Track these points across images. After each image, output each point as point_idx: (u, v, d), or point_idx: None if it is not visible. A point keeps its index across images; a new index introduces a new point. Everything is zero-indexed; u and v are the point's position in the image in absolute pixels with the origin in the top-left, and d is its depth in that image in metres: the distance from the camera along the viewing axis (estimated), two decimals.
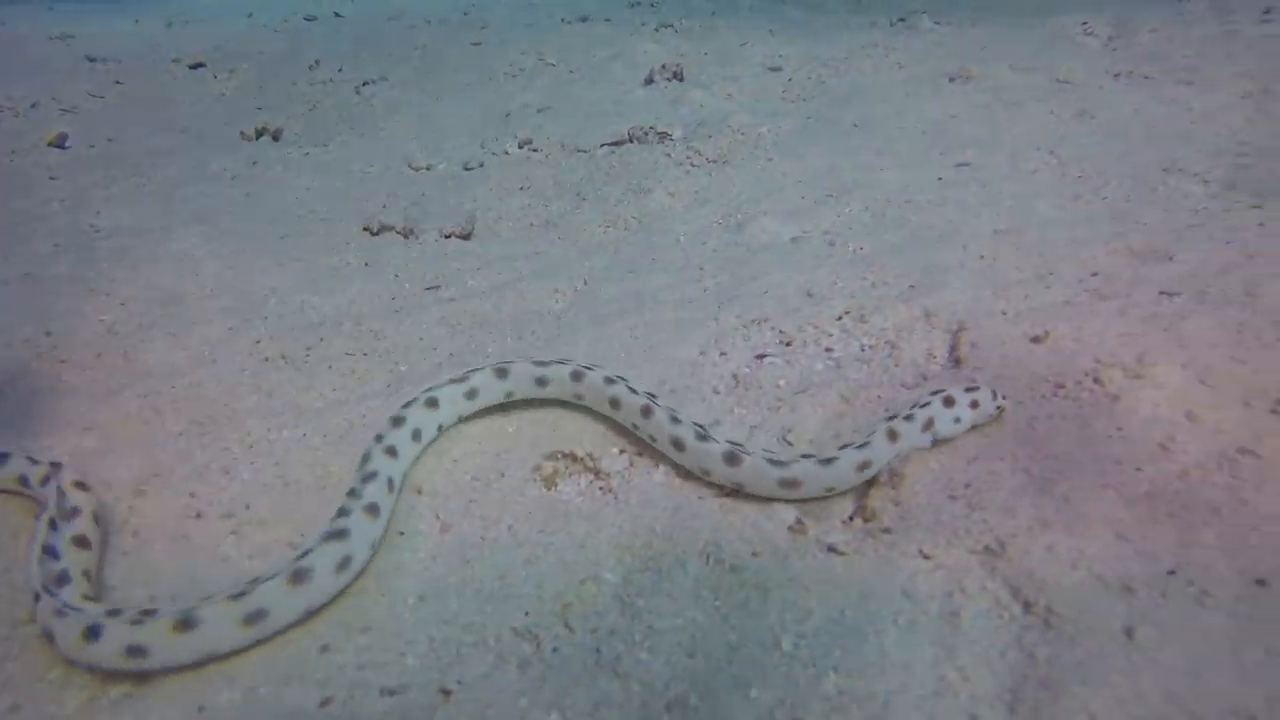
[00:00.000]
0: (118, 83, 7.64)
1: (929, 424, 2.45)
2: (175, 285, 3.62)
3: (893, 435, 2.41)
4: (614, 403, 2.54)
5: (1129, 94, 6.32)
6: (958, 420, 2.48)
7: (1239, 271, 3.34)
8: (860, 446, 2.36)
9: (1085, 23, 8.88)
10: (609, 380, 2.56)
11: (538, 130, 5.92)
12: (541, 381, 2.62)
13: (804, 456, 2.30)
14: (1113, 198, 4.46)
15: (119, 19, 12.25)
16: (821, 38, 9.29)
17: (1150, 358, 2.79)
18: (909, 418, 2.45)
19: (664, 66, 7.32)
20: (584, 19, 12.17)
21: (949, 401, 2.48)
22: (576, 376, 2.60)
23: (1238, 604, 1.92)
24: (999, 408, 2.55)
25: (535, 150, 5.47)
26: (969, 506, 2.27)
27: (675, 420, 2.40)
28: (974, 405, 2.50)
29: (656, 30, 10.41)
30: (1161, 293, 3.23)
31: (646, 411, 2.44)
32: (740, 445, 2.34)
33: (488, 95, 7.40)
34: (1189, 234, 3.86)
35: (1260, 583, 1.98)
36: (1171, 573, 2.01)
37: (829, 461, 2.29)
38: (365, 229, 4.33)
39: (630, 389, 2.53)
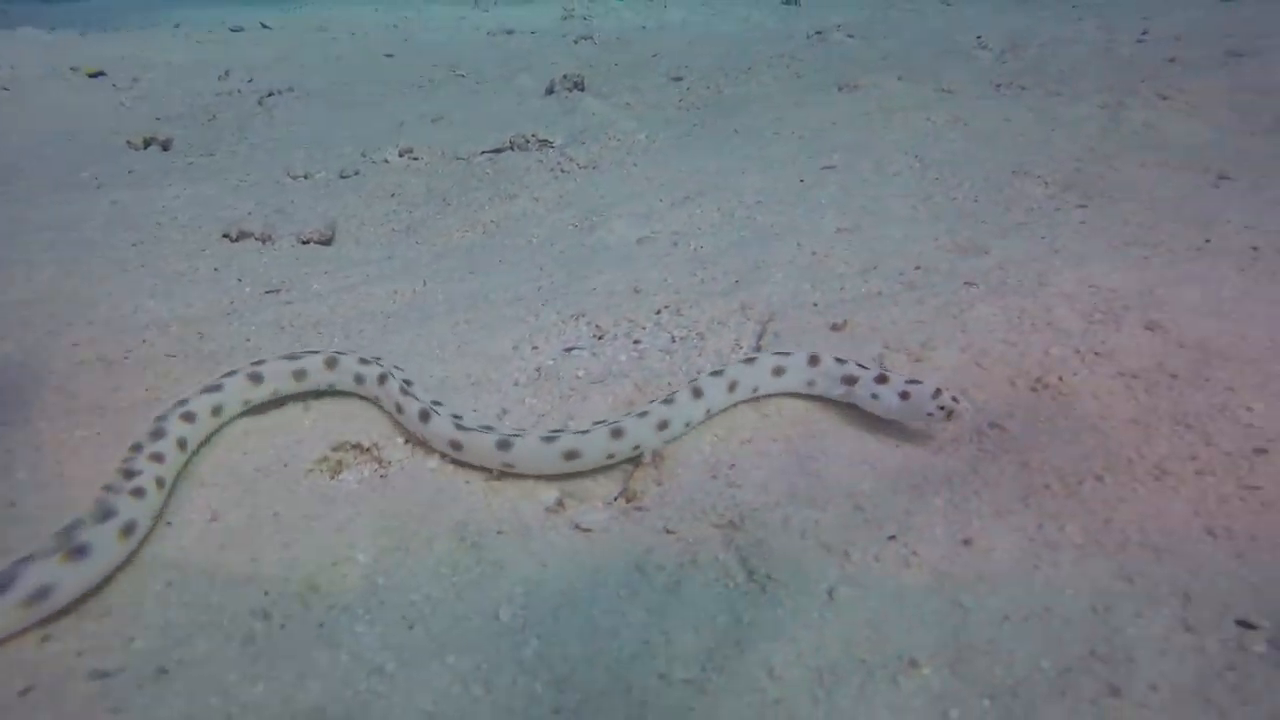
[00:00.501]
0: (4, 89, 7.56)
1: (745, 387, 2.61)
2: (1, 292, 3.62)
3: (697, 393, 2.53)
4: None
5: (1003, 104, 6.60)
6: (875, 397, 2.52)
7: (1039, 263, 3.54)
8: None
9: (980, 37, 9.25)
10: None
11: (424, 139, 6.00)
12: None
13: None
14: (961, 198, 4.66)
15: (37, 28, 12.12)
16: (735, 50, 9.55)
17: (934, 342, 2.95)
18: (717, 373, 2.58)
19: (565, 77, 7.46)
20: (509, 32, 12.33)
21: (881, 379, 2.53)
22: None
23: (941, 562, 2.05)
24: (942, 408, 2.42)
25: (415, 159, 5.55)
26: (727, 484, 2.37)
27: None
28: (904, 396, 2.47)
29: (575, 43, 10.59)
30: (965, 283, 3.40)
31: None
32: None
33: (390, 106, 7.47)
34: (1014, 230, 4.07)
35: (966, 542, 2.11)
36: (892, 538, 2.13)
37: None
38: (225, 236, 4.36)
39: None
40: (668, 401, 2.49)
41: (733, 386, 2.61)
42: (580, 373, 2.92)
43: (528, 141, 5.63)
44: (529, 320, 3.29)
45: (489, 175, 5.14)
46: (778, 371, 2.67)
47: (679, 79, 7.85)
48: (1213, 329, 2.92)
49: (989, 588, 1.97)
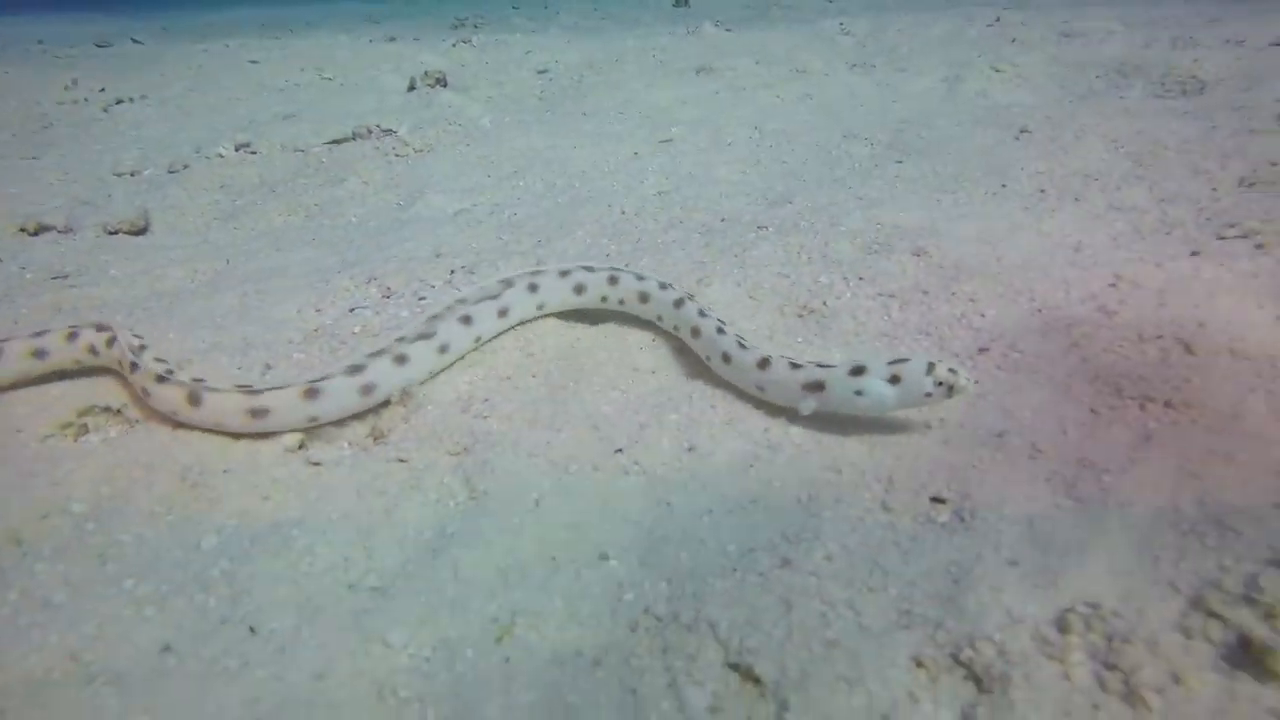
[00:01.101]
0: None
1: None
2: None
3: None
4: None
5: (852, 80, 6.88)
6: (860, 394, 2.13)
7: (836, 208, 3.69)
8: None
9: (842, 23, 9.63)
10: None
11: (268, 135, 5.90)
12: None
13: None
14: (791, 161, 4.83)
15: None
16: (609, 44, 9.69)
17: (709, 279, 3.03)
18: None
19: (427, 74, 7.45)
20: (392, 39, 12.24)
21: (858, 370, 2.15)
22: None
23: (660, 468, 2.10)
24: (940, 384, 2.09)
25: (253, 152, 5.45)
26: (475, 417, 2.39)
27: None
28: (894, 380, 2.11)
29: (454, 46, 10.57)
30: (758, 227, 3.51)
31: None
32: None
33: (245, 108, 7.32)
34: (829, 184, 4.23)
35: (690, 449, 2.17)
36: (619, 450, 2.18)
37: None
38: (21, 230, 4.19)
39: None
40: None
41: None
42: (357, 329, 2.90)
43: (370, 131, 5.59)
44: (319, 287, 3.26)
45: (324, 164, 5.09)
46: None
47: (544, 72, 7.94)
48: (972, 253, 3.09)
49: (700, 486, 2.03)
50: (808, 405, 2.19)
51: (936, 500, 1.97)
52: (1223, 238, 3.29)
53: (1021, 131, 4.77)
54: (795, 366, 2.23)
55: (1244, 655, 1.47)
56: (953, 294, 2.75)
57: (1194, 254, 3.07)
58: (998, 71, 6.67)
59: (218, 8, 21.99)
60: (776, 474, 2.07)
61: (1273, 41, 6.52)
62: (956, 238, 3.28)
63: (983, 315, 2.62)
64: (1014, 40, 8.32)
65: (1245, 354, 2.32)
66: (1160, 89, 5.93)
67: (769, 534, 1.86)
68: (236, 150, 5.47)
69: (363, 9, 19.97)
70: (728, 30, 10.85)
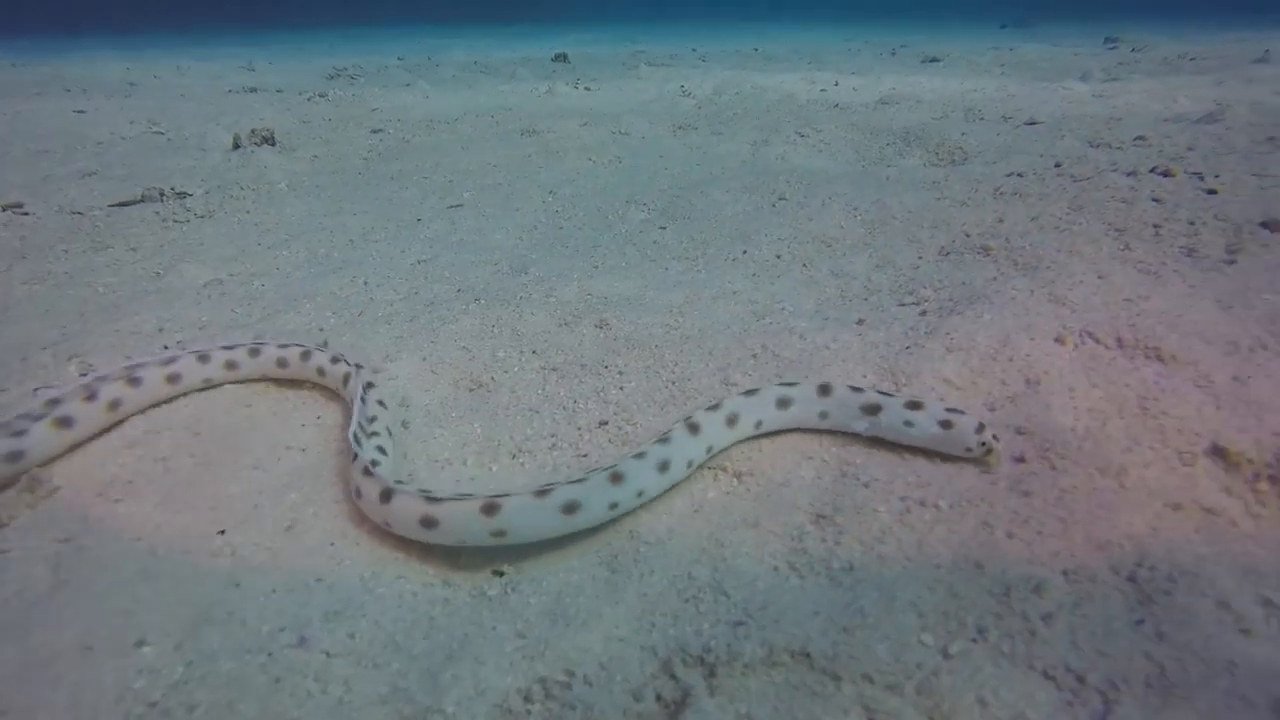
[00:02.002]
0: None
1: None
2: None
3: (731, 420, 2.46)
4: None
5: (668, 144, 7.28)
6: (910, 425, 2.39)
7: (559, 279, 3.93)
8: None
9: (684, 86, 10.16)
10: None
11: (52, 193, 5.83)
12: None
13: None
14: (567, 226, 5.08)
15: None
16: (465, 101, 9.95)
17: (397, 354, 3.19)
18: (714, 407, 2.46)
19: (254, 132, 7.50)
20: (253, 90, 12.22)
21: (915, 405, 2.41)
22: None
23: (249, 550, 2.21)
24: (984, 444, 2.34)
25: (24, 214, 5.38)
26: (108, 500, 2.45)
27: None
28: (946, 425, 2.36)
29: (310, 99, 10.64)
30: (476, 299, 3.71)
31: None
32: None
33: (47, 162, 7.19)
34: (583, 252, 4.48)
35: (289, 528, 2.29)
36: (221, 532, 2.28)
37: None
38: None
39: None
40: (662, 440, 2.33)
41: (732, 421, 2.43)
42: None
43: (162, 194, 5.61)
44: (14, 365, 3.26)
45: (98, 228, 5.07)
46: (783, 404, 2.49)
47: (378, 131, 8.10)
48: (654, 323, 3.35)
49: (281, 566, 2.14)
50: (863, 425, 2.45)
51: (496, 573, 2.13)
52: (902, 304, 3.66)
53: (779, 199, 5.16)
54: (856, 390, 2.48)
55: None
56: (605, 367, 2.97)
57: (859, 321, 3.41)
58: (802, 137, 7.19)
59: (86, 47, 21.49)
60: (349, 554, 2.20)
61: (1028, 121, 7.25)
62: (653, 308, 3.54)
63: (621, 389, 2.84)
64: (836, 105, 8.97)
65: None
66: (935, 158, 6.51)
67: (312, 611, 1.98)
68: (4, 210, 5.39)
69: (246, 54, 19.89)
70: (587, 89, 11.31)
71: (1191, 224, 4.29)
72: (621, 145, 7.20)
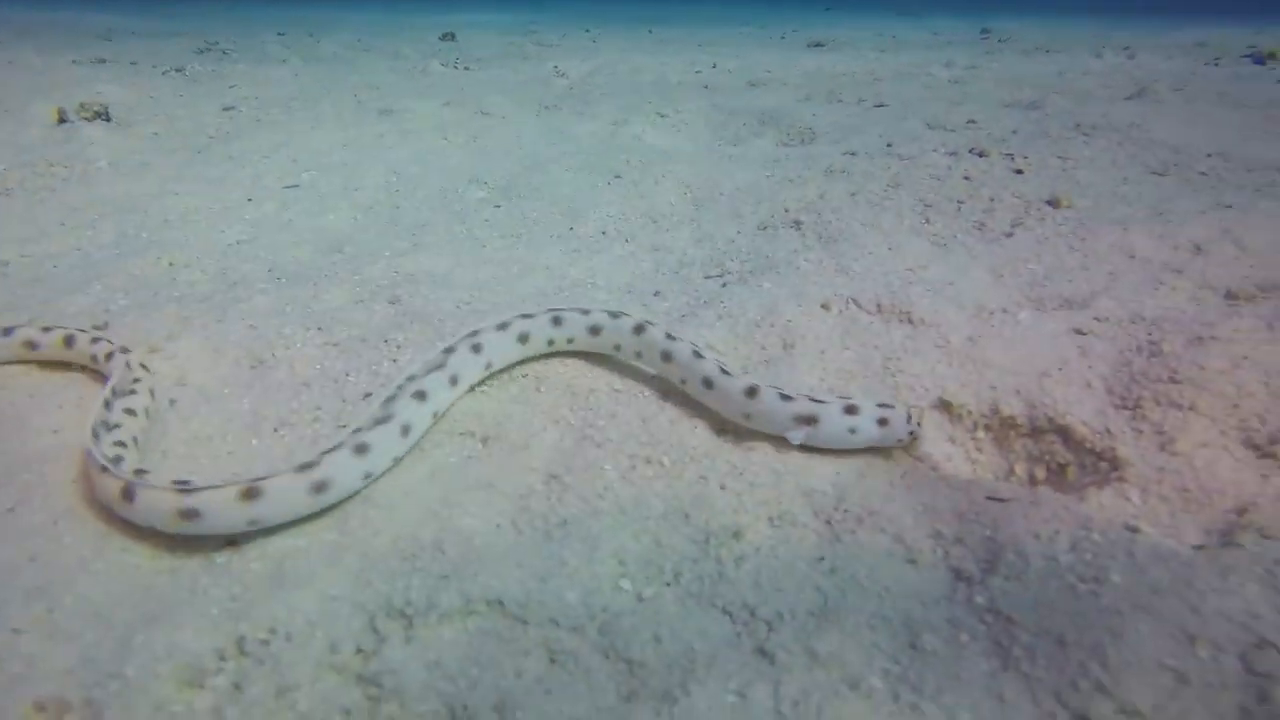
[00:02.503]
0: None
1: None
2: None
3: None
4: None
5: (529, 124, 7.27)
6: (854, 431, 2.32)
7: (371, 256, 3.91)
8: None
9: (557, 66, 10.16)
10: None
11: None
12: None
13: None
14: (404, 207, 5.04)
15: None
16: (334, 80, 9.66)
17: (180, 334, 3.12)
18: None
19: (83, 106, 7.11)
20: (102, 60, 11.54)
21: (851, 410, 2.33)
22: None
23: None
24: (911, 433, 2.39)
25: None
26: None
27: None
28: (883, 422, 2.34)
29: (166, 73, 10.13)
30: (277, 278, 3.66)
31: None
32: None
33: None
34: (408, 230, 4.47)
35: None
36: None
37: None
38: None
39: None
40: None
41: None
42: None
43: None
44: None
45: None
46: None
47: (230, 109, 7.80)
48: (445, 298, 3.38)
49: None
50: (800, 435, 2.33)
51: (229, 542, 2.14)
52: (708, 277, 3.80)
53: (615, 177, 5.25)
54: (787, 398, 2.33)
55: None
56: (385, 340, 2.99)
57: (655, 294, 3.53)
58: (662, 117, 7.31)
59: None
60: (72, 532, 2.17)
61: (878, 104, 7.58)
62: (455, 284, 3.57)
63: (394, 360, 2.87)
64: (705, 87, 9.14)
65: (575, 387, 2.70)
66: (786, 138, 6.73)
67: (12, 591, 1.95)
68: None
69: (106, 22, 18.68)
70: (466, 69, 11.15)
71: (991, 200, 4.60)
72: (480, 125, 7.16)
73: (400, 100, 8.05)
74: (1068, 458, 2.43)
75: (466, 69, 11.16)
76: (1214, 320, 2.67)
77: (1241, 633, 1.56)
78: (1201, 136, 5.88)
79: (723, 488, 2.16)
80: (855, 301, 3.06)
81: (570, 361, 2.78)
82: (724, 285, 3.59)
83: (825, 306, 3.03)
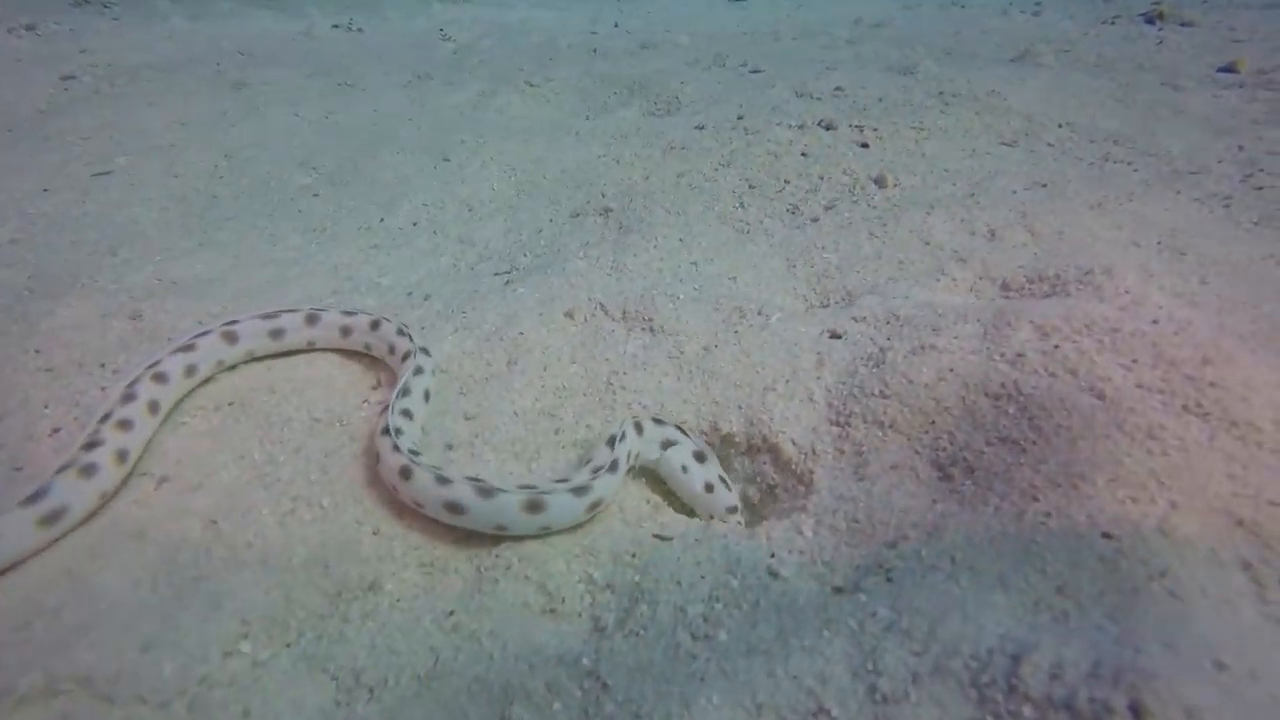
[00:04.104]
0: None
1: None
2: None
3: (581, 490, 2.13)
4: None
5: (392, 98, 6.94)
6: (685, 470, 2.29)
7: (141, 261, 3.68)
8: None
9: (443, 29, 9.73)
10: None
11: None
12: None
13: None
14: (224, 195, 4.76)
15: None
16: (210, 41, 9.14)
17: None
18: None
19: None
20: None
21: (699, 456, 2.32)
22: None
23: None
24: (730, 511, 2.29)
25: None
26: None
27: None
28: (708, 489, 2.29)
29: (10, 32, 9.47)
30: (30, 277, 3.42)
31: None
32: None
33: None
34: (217, 225, 4.22)
35: None
36: None
37: None
38: None
39: None
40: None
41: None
42: None
43: None
44: None
45: None
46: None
47: (70, 78, 7.31)
48: (199, 310, 3.18)
49: None
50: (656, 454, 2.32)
51: None
52: (497, 274, 3.63)
53: (443, 160, 5.02)
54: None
55: None
56: (102, 365, 2.80)
57: (426, 297, 3.36)
58: (531, 86, 7.02)
59: None
60: None
61: (754, 69, 7.36)
62: (213, 293, 3.34)
63: (103, 389, 2.68)
64: (594, 50, 8.82)
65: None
66: (652, 108, 6.50)
67: None
68: None
69: None
70: (360, 30, 10.63)
71: (820, 179, 4.47)
72: (340, 98, 6.81)
73: (263, 70, 7.62)
74: (775, 479, 2.35)
75: (360, 30, 10.63)
76: (943, 326, 2.59)
77: (805, 699, 1.49)
78: (1057, 105, 5.79)
79: (376, 533, 2.04)
80: (603, 307, 2.93)
81: (293, 380, 2.62)
82: (507, 283, 3.43)
83: (570, 315, 2.90)
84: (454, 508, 1.96)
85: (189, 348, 2.47)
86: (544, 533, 2.00)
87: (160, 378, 2.35)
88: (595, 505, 2.03)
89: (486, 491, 1.94)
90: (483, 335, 2.81)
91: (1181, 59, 7.51)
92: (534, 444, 2.35)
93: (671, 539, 2.02)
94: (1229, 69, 7.02)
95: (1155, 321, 2.33)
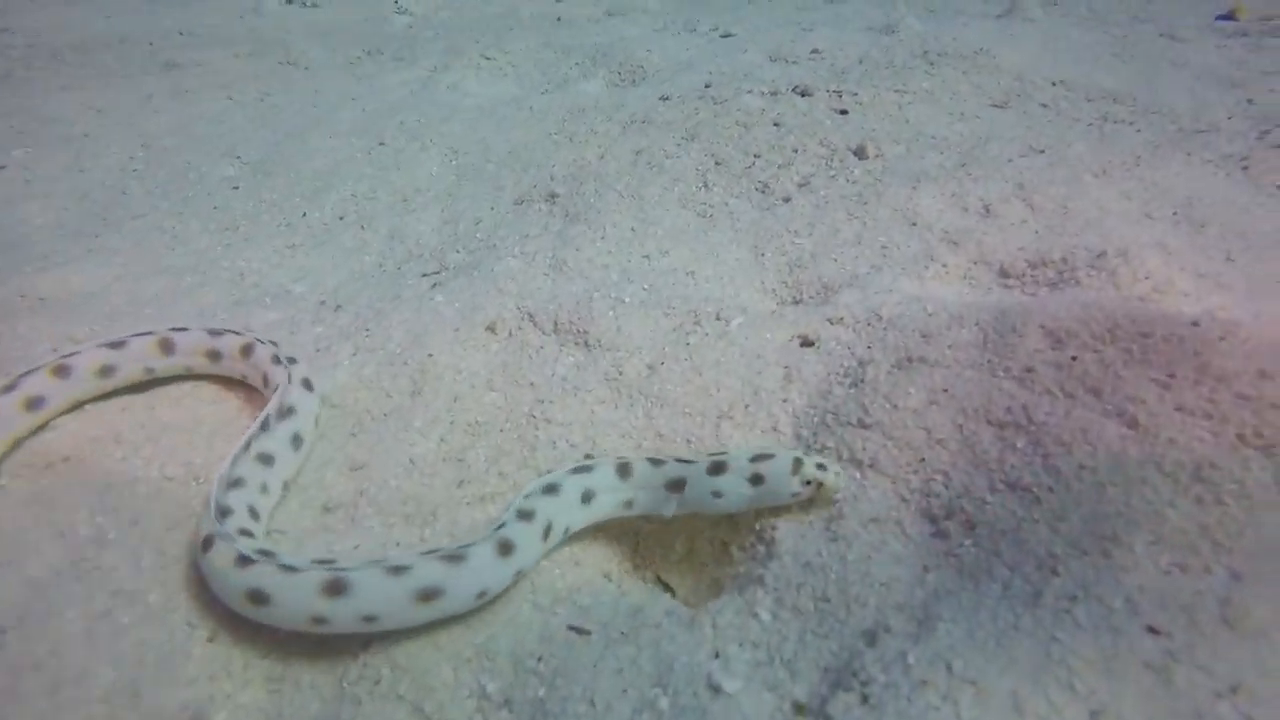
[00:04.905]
0: None
1: None
2: None
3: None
4: None
5: (335, 78, 6.38)
6: (719, 496, 1.80)
7: (28, 266, 3.17)
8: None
9: (398, 1, 9.10)
10: None
11: None
12: None
13: None
14: (134, 190, 4.26)
15: None
16: (153, 19, 8.50)
17: None
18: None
19: None
20: None
21: (717, 468, 1.80)
22: None
23: None
24: (808, 482, 1.80)
25: None
26: None
27: None
28: (756, 480, 1.78)
29: None
30: None
31: None
32: None
33: None
34: (118, 225, 3.70)
35: None
36: None
37: None
38: None
39: None
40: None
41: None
42: None
43: None
44: None
45: None
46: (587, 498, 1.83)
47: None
48: (54, 333, 2.68)
49: None
50: (671, 505, 1.80)
51: None
52: (424, 274, 3.14)
53: (379, 144, 4.48)
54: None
55: None
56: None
57: (337, 308, 2.86)
58: (488, 59, 6.44)
59: None
60: None
61: (724, 34, 6.78)
62: (85, 310, 2.82)
63: None
64: (558, 19, 8.21)
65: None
66: (616, 79, 5.95)
67: None
68: None
69: None
70: (314, 6, 9.95)
71: (794, 152, 3.96)
72: (279, 79, 6.23)
73: (199, 50, 7.01)
74: (729, 535, 1.89)
75: (315, 6, 9.95)
76: (934, 331, 2.11)
77: None
78: (1050, 63, 5.24)
79: (211, 639, 1.57)
80: (531, 318, 2.43)
81: (148, 425, 2.13)
82: (433, 285, 2.94)
83: (491, 328, 2.40)
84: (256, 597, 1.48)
85: (9, 388, 1.98)
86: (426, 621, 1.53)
87: None
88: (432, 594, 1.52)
89: (288, 570, 1.47)
90: (386, 358, 2.31)
91: (1177, 7, 6.97)
92: (430, 501, 1.87)
93: (591, 633, 1.56)
94: (1228, 16, 6.48)
95: (1196, 324, 1.85)
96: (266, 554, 1.52)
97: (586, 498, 1.78)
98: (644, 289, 2.62)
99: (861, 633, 1.49)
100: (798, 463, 1.77)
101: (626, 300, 2.50)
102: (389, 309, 2.64)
